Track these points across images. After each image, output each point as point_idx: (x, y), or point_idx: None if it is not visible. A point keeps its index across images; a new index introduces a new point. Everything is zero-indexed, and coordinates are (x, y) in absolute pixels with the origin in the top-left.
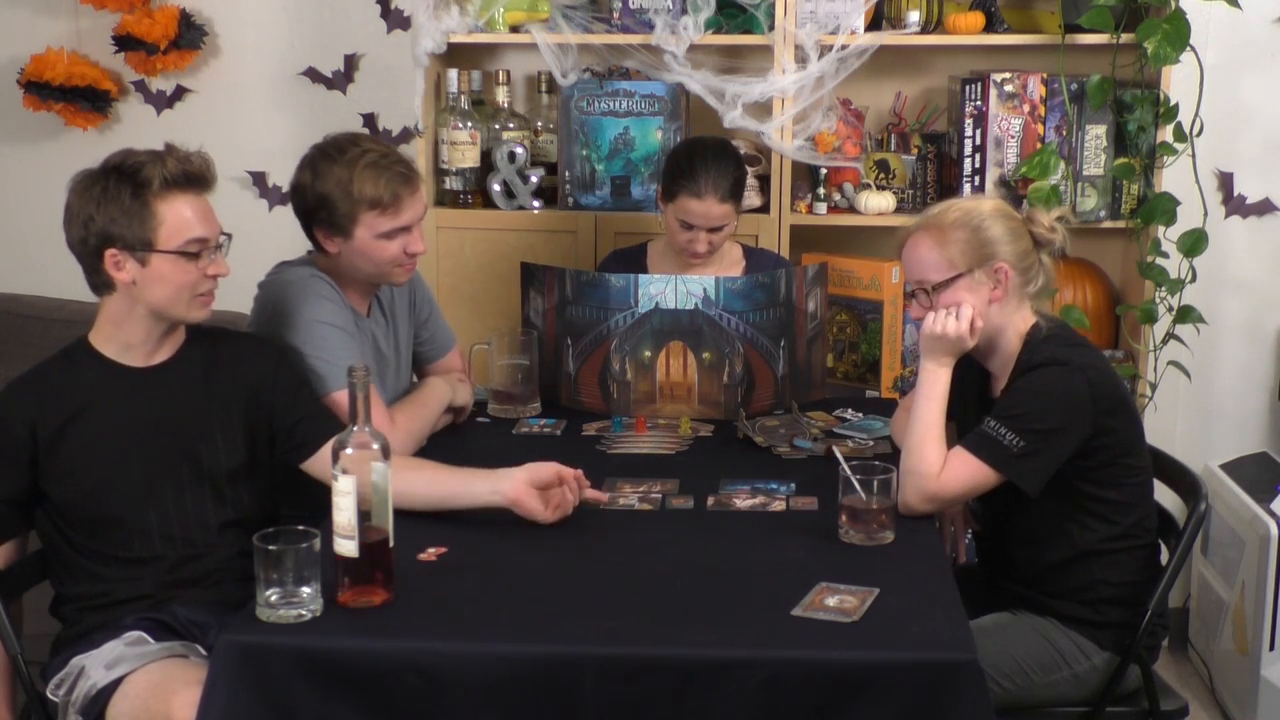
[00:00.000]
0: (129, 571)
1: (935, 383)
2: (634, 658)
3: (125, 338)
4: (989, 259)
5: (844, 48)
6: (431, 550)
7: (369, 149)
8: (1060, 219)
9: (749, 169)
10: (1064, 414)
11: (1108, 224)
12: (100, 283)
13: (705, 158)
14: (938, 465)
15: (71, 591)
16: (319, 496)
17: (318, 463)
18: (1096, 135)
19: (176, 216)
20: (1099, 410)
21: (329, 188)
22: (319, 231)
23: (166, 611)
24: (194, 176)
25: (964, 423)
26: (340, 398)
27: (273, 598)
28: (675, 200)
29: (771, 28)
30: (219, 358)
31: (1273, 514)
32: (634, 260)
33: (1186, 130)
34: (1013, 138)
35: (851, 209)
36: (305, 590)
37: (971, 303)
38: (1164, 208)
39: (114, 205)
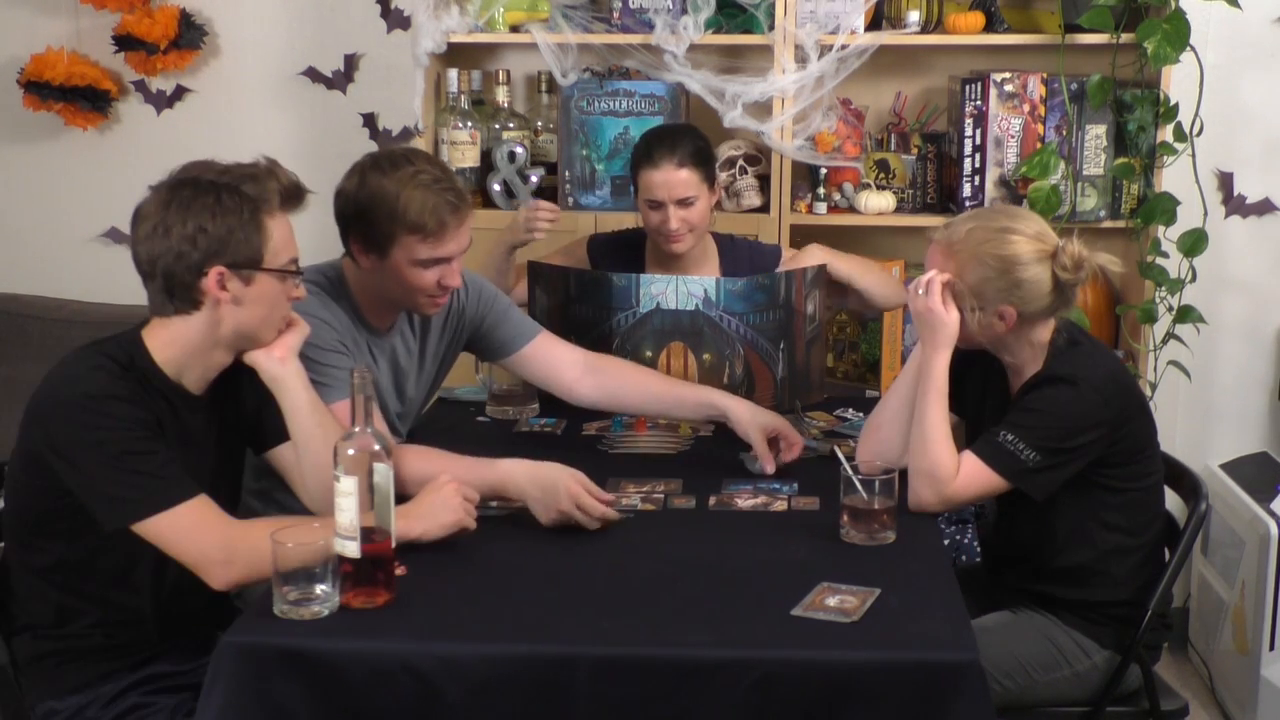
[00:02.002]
0: (130, 600)
1: (930, 373)
2: (633, 658)
3: (205, 361)
4: (994, 303)
5: (844, 47)
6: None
7: (423, 169)
8: (1101, 266)
9: (749, 168)
10: (1082, 434)
11: (1108, 224)
12: (185, 301)
13: (659, 133)
14: (952, 466)
15: (81, 625)
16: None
17: (277, 456)
18: (1096, 135)
19: (282, 234)
20: (1115, 425)
21: (372, 201)
22: (354, 243)
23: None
24: (301, 191)
25: (980, 421)
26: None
27: (291, 595)
28: (638, 182)
29: (771, 28)
30: (235, 382)
31: (1273, 514)
32: (630, 245)
33: (1186, 130)
34: (1013, 138)
35: (851, 209)
36: (322, 587)
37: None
38: (1164, 208)
39: (231, 218)
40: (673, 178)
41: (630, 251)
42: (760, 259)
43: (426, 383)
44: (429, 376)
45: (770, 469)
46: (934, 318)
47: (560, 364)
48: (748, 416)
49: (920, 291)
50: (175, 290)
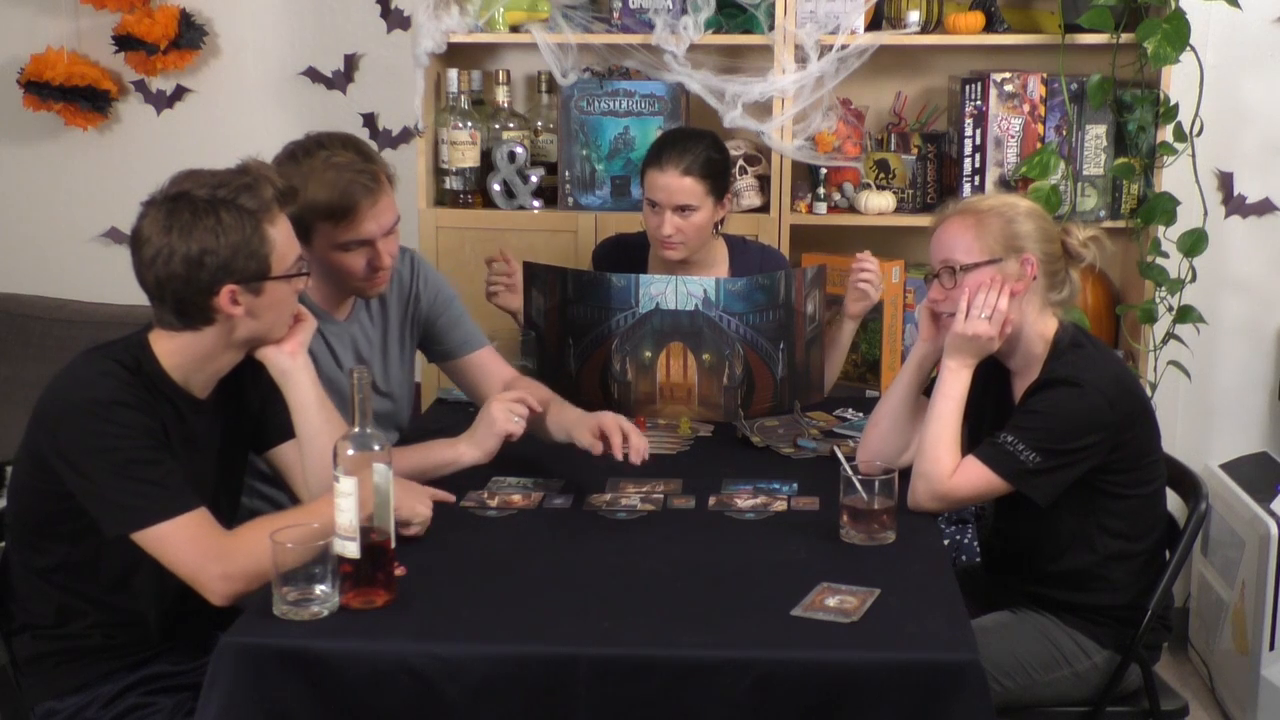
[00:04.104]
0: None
1: (955, 383)
2: (633, 658)
3: (214, 365)
4: (1018, 250)
5: (844, 47)
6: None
7: (336, 152)
8: (1094, 238)
9: (749, 168)
10: (1084, 436)
11: (1108, 224)
12: (197, 319)
13: (675, 135)
14: (950, 467)
15: (81, 625)
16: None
17: (279, 454)
18: (1096, 135)
19: (285, 238)
20: (1119, 428)
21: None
22: None
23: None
24: (295, 189)
25: (979, 423)
26: None
27: (290, 596)
28: (644, 180)
29: (771, 28)
30: (238, 384)
31: (1273, 514)
32: (634, 248)
33: (1186, 130)
34: (1013, 138)
35: (851, 209)
36: (321, 588)
37: (996, 295)
38: (1164, 208)
39: (235, 235)
40: (674, 183)
41: (634, 255)
42: (767, 263)
43: (398, 369)
44: (397, 362)
45: (597, 450)
46: (991, 344)
47: (492, 380)
48: (570, 417)
49: (984, 315)
50: (187, 311)
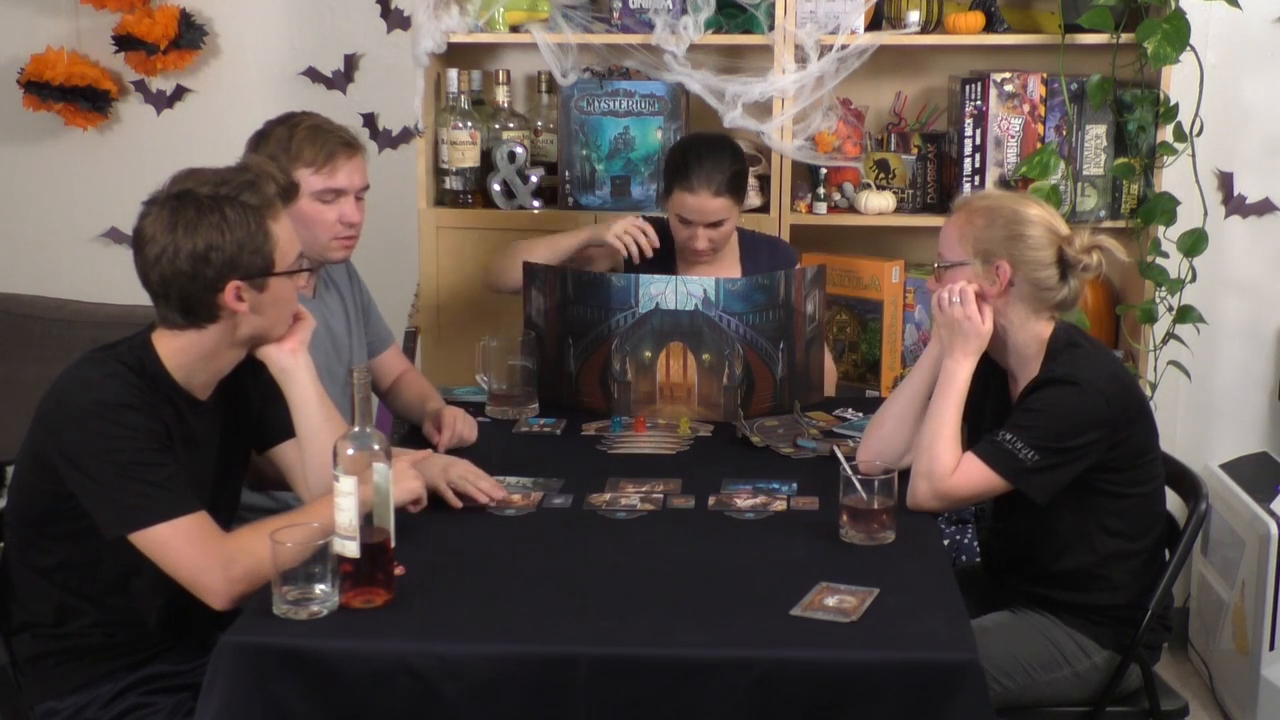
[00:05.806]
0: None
1: (953, 378)
2: (632, 658)
3: (216, 364)
4: (993, 256)
5: (844, 47)
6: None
7: (316, 117)
8: (1098, 246)
9: (750, 168)
10: (1082, 434)
11: (1108, 224)
12: (202, 317)
13: (700, 152)
14: (951, 465)
15: (81, 625)
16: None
17: (280, 453)
18: (1096, 135)
19: (287, 234)
20: (1117, 426)
21: (270, 147)
22: None
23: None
24: (296, 185)
25: (979, 423)
26: None
27: (290, 595)
28: (671, 196)
29: (771, 28)
30: (239, 385)
31: (1273, 514)
32: (660, 233)
33: (1186, 130)
34: (1013, 138)
35: (851, 209)
36: (321, 587)
37: (960, 285)
38: (1164, 208)
39: (240, 231)
40: (707, 205)
41: (661, 236)
42: (777, 255)
43: (360, 350)
44: (359, 342)
45: (433, 438)
46: (970, 325)
47: (389, 376)
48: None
49: (955, 300)
50: (192, 308)
